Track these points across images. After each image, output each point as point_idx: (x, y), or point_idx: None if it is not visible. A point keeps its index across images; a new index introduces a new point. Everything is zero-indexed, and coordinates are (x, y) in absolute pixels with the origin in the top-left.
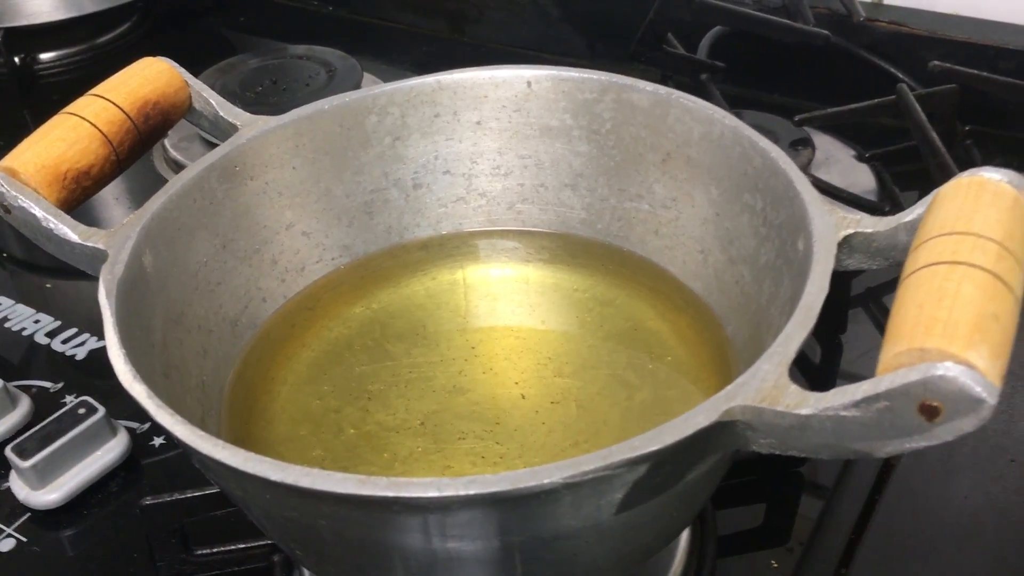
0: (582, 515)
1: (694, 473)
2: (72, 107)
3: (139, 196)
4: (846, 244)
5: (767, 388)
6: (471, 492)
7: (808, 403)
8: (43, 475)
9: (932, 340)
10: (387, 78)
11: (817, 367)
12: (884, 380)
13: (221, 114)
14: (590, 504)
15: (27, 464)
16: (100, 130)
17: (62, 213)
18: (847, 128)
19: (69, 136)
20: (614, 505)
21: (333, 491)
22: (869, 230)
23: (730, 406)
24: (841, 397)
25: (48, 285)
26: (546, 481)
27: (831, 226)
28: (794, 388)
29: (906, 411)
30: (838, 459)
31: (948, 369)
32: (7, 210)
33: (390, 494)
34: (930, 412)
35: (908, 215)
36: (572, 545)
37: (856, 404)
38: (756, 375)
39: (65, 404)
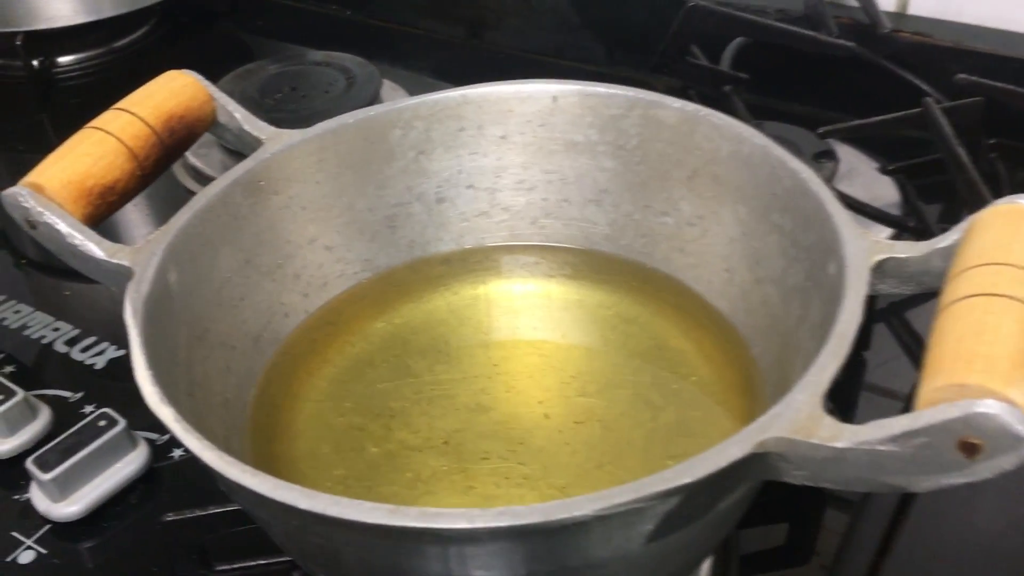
0: (612, 546)
1: (725, 503)
2: (97, 121)
3: (156, 202)
4: (879, 269)
5: (801, 419)
6: (502, 524)
7: (843, 436)
8: (64, 487)
9: (973, 376)
10: (405, 84)
11: (839, 383)
12: (923, 415)
13: (246, 128)
14: (620, 535)
15: (48, 476)
16: (126, 145)
17: (87, 229)
18: (869, 140)
19: (95, 151)
20: (644, 536)
21: (362, 521)
22: (903, 255)
23: (764, 438)
24: (878, 431)
25: (67, 292)
26: (577, 513)
27: (864, 251)
28: (829, 420)
29: (945, 448)
30: (872, 492)
31: (989, 407)
32: (33, 226)
33: (420, 525)
34: (970, 449)
35: (943, 241)
36: (600, 575)
37: (894, 439)
38: (790, 406)
39: (85, 414)
